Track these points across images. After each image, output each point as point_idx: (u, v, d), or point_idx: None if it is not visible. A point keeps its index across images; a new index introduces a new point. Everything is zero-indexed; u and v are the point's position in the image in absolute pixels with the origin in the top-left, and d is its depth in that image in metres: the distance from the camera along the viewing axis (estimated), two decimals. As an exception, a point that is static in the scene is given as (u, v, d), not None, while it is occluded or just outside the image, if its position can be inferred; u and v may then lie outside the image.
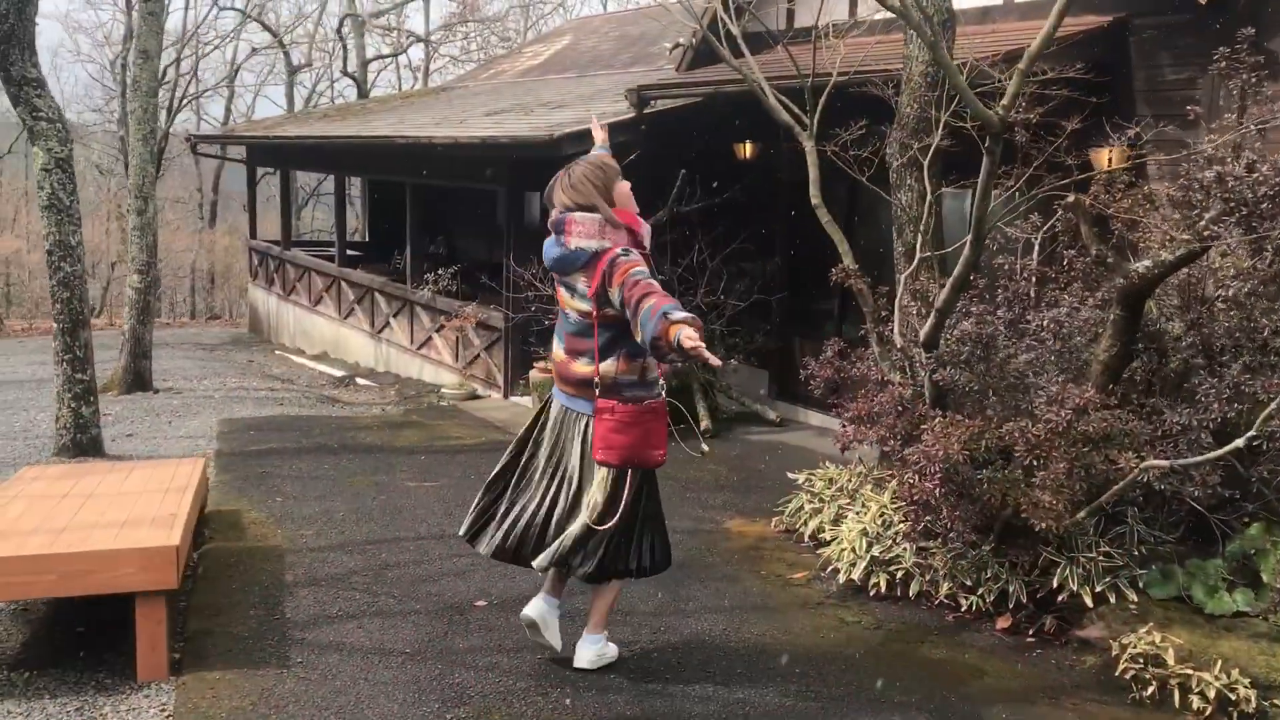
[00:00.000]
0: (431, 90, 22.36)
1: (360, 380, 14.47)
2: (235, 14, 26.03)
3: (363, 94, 25.72)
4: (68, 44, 61.85)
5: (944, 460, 4.54)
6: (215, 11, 25.90)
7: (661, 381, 3.96)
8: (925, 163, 5.75)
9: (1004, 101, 4.14)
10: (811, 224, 10.58)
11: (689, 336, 3.32)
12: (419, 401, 12.11)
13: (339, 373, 15.32)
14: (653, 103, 9.45)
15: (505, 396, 11.49)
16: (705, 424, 9.36)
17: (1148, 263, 4.78)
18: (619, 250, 3.81)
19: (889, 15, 8.84)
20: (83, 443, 8.40)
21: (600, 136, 4.54)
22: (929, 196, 5.71)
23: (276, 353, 17.87)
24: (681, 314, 3.41)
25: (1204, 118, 5.77)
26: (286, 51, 27.37)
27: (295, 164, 19.55)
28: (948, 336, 5.09)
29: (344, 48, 25.66)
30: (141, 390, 12.25)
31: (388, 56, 27.65)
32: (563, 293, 4.02)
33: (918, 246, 5.67)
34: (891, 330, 5.57)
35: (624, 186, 4.02)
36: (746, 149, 10.07)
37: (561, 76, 17.40)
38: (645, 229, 4.01)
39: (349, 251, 17.73)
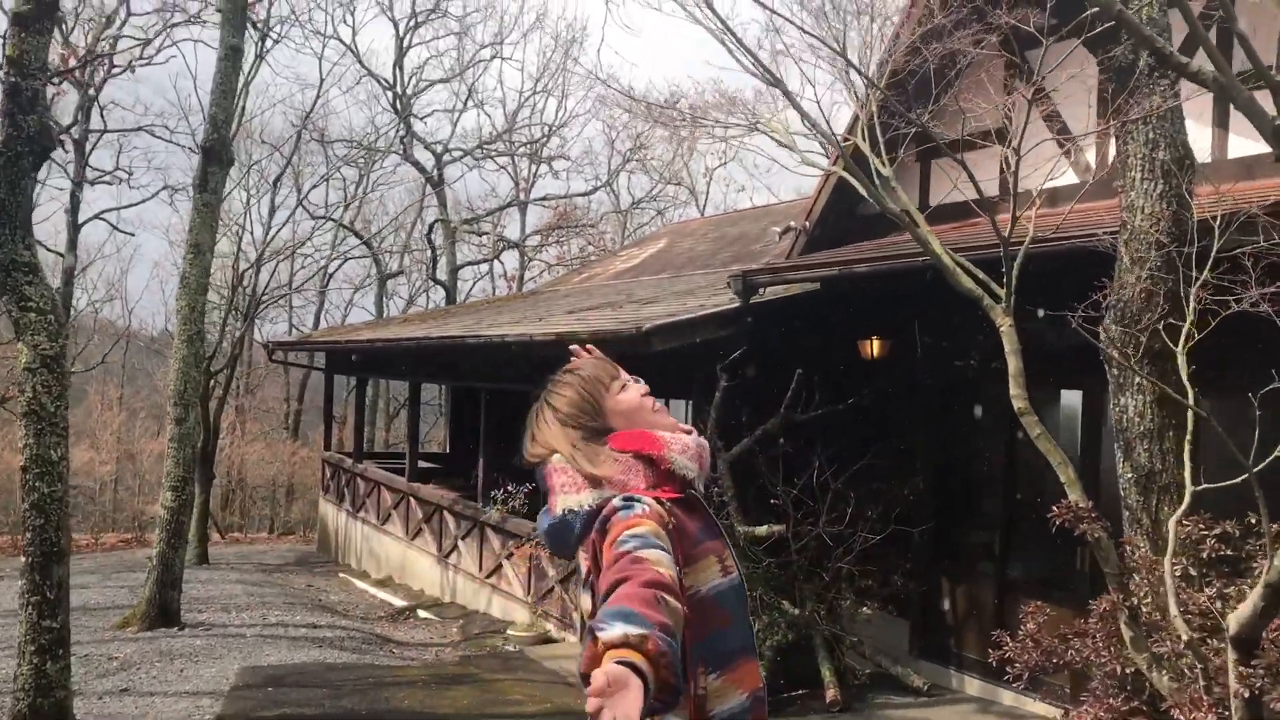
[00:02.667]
0: (520, 295, 21.42)
1: (422, 612, 12.70)
2: (328, 221, 25.77)
3: (452, 301, 24.98)
4: (171, 256, 64.06)
5: None
6: (312, 226, 25.73)
7: None
8: (1180, 350, 3.87)
9: None
10: (961, 436, 8.74)
11: (598, 691, 1.62)
12: (482, 643, 10.22)
13: (400, 602, 13.59)
14: (761, 290, 7.82)
15: (582, 641, 9.52)
16: (832, 693, 7.26)
17: None
18: (618, 501, 2.12)
19: (1075, 182, 7.18)
20: (43, 709, 6.64)
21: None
22: (1191, 400, 3.81)
23: (341, 575, 16.26)
24: (623, 630, 1.73)
25: None
26: (378, 258, 27.01)
27: (372, 371, 18.47)
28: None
29: (434, 253, 25.08)
30: (166, 625, 10.57)
31: (479, 262, 27.04)
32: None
33: (1186, 477, 3.72)
34: (1153, 604, 3.58)
35: (626, 395, 2.31)
36: (874, 346, 8.30)
37: (656, 277, 16.17)
38: (680, 444, 2.24)
39: (426, 464, 16.35)
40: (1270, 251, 3.86)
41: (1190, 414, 3.82)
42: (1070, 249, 5.01)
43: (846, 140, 4.84)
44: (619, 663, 1.68)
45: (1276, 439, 3.59)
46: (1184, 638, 3.21)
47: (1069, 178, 7.38)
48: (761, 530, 7.86)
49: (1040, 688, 6.63)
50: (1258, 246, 3.90)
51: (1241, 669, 2.91)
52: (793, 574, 7.93)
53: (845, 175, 5.18)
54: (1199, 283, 3.99)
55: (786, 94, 4.58)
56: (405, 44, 24.98)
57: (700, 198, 28.97)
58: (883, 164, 4.78)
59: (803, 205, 10.61)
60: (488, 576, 12.08)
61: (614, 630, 1.73)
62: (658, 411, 2.31)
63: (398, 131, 24.69)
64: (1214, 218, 4.15)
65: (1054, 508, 3.91)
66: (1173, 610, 3.30)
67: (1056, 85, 6.22)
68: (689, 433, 2.30)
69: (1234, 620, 2.91)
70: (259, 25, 17.74)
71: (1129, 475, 4.41)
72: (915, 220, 4.60)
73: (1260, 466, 3.26)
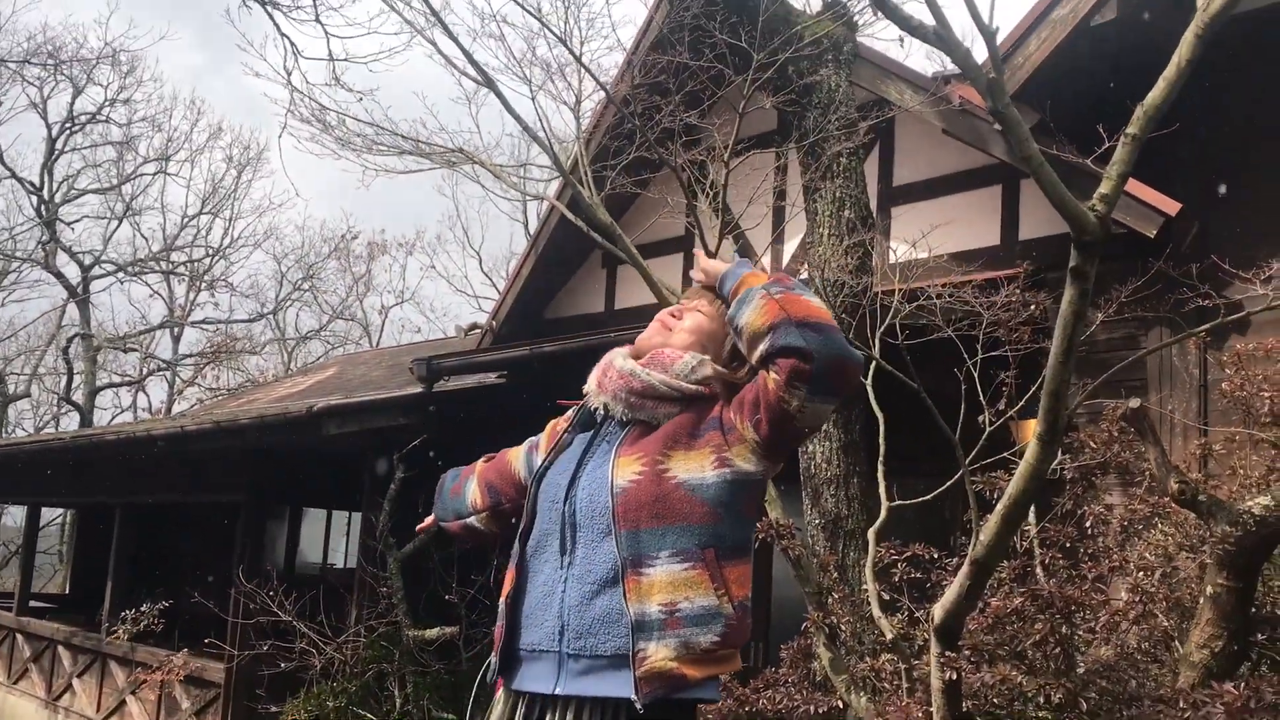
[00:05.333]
0: (168, 417, 19.69)
1: (18, 768, 10.83)
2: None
3: (86, 425, 22.54)
4: None
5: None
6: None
7: None
8: (868, 384, 3.98)
9: (1101, 189, 2.47)
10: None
11: None
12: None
13: (-10, 758, 11.55)
14: (446, 379, 7.53)
15: (219, 779, 8.39)
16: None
17: (1268, 500, 3.08)
18: None
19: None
20: None
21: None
22: (882, 434, 3.90)
23: (-87, 734, 13.63)
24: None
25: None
26: (1, 377, 23.98)
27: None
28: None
29: (70, 371, 22.61)
30: None
31: (121, 385, 24.57)
32: None
33: (881, 494, 3.76)
34: (852, 625, 3.52)
35: None
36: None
37: (326, 399, 15.35)
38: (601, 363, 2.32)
39: (42, 605, 14.27)
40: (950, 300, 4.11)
41: (882, 447, 3.91)
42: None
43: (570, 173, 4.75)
44: None
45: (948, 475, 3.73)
46: (889, 636, 3.16)
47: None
48: (431, 633, 7.34)
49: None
50: (939, 291, 4.14)
51: (947, 655, 2.86)
52: (463, 680, 7.42)
53: (565, 210, 5.09)
54: (884, 327, 4.17)
55: (499, 95, 4.45)
56: (58, 147, 23.07)
57: (375, 334, 28.29)
58: (589, 191, 4.71)
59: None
60: (107, 717, 10.52)
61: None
62: (655, 327, 2.19)
63: (40, 239, 22.45)
64: (893, 267, 4.39)
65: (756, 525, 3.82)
66: (876, 612, 3.26)
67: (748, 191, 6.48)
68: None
69: (939, 608, 2.88)
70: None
71: (816, 521, 4.46)
72: (624, 239, 4.55)
73: (970, 462, 3.35)
